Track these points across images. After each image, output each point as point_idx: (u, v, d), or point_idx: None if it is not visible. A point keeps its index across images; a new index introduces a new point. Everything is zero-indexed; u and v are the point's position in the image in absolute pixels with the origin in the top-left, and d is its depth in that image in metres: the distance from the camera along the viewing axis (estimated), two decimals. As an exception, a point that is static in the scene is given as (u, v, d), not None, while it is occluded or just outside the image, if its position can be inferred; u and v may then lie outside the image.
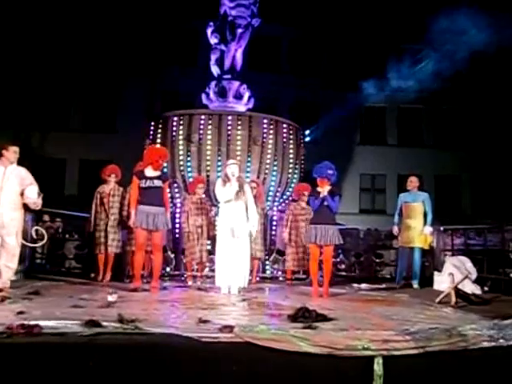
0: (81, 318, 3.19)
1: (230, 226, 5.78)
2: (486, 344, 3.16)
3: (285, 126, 9.42)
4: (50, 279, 6.64)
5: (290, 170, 9.32)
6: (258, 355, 2.78)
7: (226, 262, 5.79)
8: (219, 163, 8.65)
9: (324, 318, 3.60)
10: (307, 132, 18.87)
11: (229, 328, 3.02)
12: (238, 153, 8.77)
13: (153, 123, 9.57)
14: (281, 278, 8.42)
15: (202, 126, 8.91)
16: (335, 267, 8.69)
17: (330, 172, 5.86)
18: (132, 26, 19.31)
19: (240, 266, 5.80)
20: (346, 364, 2.83)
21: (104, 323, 3.08)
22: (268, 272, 8.53)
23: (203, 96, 10.06)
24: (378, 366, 2.86)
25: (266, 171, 8.95)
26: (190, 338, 2.85)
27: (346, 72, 19.56)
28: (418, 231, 7.17)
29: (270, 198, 8.98)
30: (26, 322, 2.93)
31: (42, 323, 2.95)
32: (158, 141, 9.07)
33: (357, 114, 20.10)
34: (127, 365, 2.71)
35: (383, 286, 7.48)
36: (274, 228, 9.12)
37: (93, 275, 7.20)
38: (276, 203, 9.28)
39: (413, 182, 7.45)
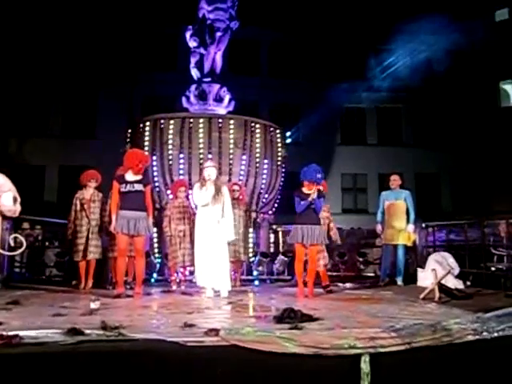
0: (62, 326, 3.12)
1: (207, 230, 5.77)
2: (470, 338, 3.19)
3: (266, 128, 9.42)
4: (30, 288, 6.47)
5: (273, 172, 9.31)
6: (245, 358, 2.76)
7: (205, 265, 5.79)
8: (201, 167, 8.60)
9: (309, 318, 3.60)
10: (288, 133, 18.95)
11: (214, 331, 2.99)
12: (210, 156, 8.74)
13: (132, 128, 9.50)
14: (265, 280, 8.41)
15: (175, 131, 8.87)
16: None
17: (319, 176, 5.87)
18: (111, 31, 19.16)
19: (222, 268, 5.80)
20: (333, 363, 2.83)
21: (87, 331, 3.02)
22: (253, 274, 8.50)
23: (183, 99, 10.01)
24: (364, 364, 2.86)
25: (249, 173, 8.93)
26: (175, 343, 2.81)
27: (325, 73, 19.73)
28: (401, 229, 7.25)
29: (253, 201, 8.95)
30: (4, 333, 2.84)
31: (21, 333, 2.87)
32: (138, 145, 8.98)
33: (337, 115, 20.25)
34: (112, 372, 2.66)
35: (368, 284, 7.53)
36: (257, 230, 9.10)
37: (74, 283, 7.07)
38: (259, 205, 9.26)
39: (396, 180, 7.54)
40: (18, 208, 5.20)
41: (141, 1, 18.38)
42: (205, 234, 5.84)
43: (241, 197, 7.62)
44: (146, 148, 8.90)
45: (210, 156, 8.70)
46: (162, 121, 9.03)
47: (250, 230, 8.43)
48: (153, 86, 19.19)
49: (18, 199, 5.17)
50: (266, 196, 9.36)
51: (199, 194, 5.90)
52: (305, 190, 5.89)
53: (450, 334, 3.20)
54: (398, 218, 7.28)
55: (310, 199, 5.77)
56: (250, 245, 8.43)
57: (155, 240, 8.69)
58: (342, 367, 2.84)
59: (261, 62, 21.12)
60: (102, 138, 18.51)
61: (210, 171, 5.99)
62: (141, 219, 5.59)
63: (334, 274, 8.75)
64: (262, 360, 2.76)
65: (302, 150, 14.82)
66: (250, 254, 8.37)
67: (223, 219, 5.90)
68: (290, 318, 3.51)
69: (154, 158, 8.86)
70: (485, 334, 3.26)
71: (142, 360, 2.72)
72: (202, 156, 8.71)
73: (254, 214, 8.89)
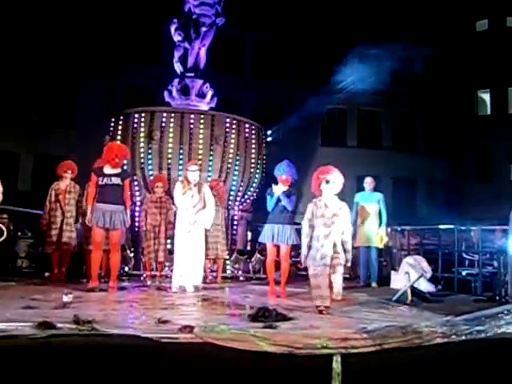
0: (33, 319, 3.07)
1: (187, 229, 5.81)
2: (439, 340, 3.27)
3: (247, 125, 9.41)
4: (0, 279, 6.29)
5: (252, 170, 9.31)
6: (218, 355, 2.77)
7: (182, 262, 5.82)
8: (181, 162, 8.53)
9: (284, 318, 3.63)
10: (269, 132, 18.96)
11: (189, 328, 2.99)
12: (200, 151, 8.68)
13: (113, 119, 9.35)
14: (241, 278, 8.41)
15: (163, 124, 8.77)
16: (295, 266, 8.76)
17: (293, 171, 5.90)
18: (95, 20, 18.81)
19: (193, 264, 5.82)
20: (305, 362, 2.86)
21: (59, 325, 2.97)
22: (229, 272, 8.49)
23: (166, 93, 9.91)
24: (336, 364, 2.91)
25: (228, 170, 8.89)
26: (148, 339, 2.80)
27: (307, 74, 19.82)
28: (374, 231, 7.32)
29: (231, 198, 8.94)
30: (-29, 325, 2.79)
31: (-10, 326, 2.82)
32: (119, 137, 8.85)
33: (318, 116, 20.38)
34: (84, 368, 2.63)
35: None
36: (234, 228, 9.09)
37: (47, 275, 6.96)
38: (237, 203, 9.25)
39: (370, 183, 7.62)
40: (0, 197, 5.08)
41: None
42: (184, 233, 5.87)
43: (220, 194, 7.61)
44: (133, 140, 8.76)
45: (182, 151, 8.60)
46: (147, 114, 8.90)
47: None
48: (134, 77, 18.95)
49: (0, 189, 5.05)
50: (245, 193, 9.36)
51: (181, 198, 5.89)
52: (275, 187, 5.85)
53: (420, 337, 3.28)
54: (370, 220, 7.35)
55: (275, 195, 5.75)
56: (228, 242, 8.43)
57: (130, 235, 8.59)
58: (314, 367, 2.88)
59: (244, 60, 21.09)
60: (79, 128, 18.20)
61: (195, 176, 5.98)
62: (117, 213, 5.53)
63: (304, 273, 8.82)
64: (235, 358, 2.77)
65: (282, 150, 14.81)
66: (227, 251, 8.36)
67: (204, 210, 5.90)
68: (265, 316, 3.53)
69: (138, 151, 8.73)
70: (453, 337, 3.35)
71: (115, 355, 2.70)
72: (183, 151, 8.65)
73: (231, 212, 8.89)
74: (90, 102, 18.42)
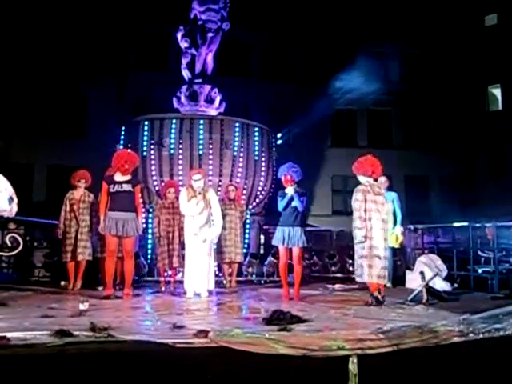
0: (51, 328, 3.10)
1: (195, 235, 5.88)
2: (456, 339, 3.23)
3: (256, 129, 9.44)
4: (18, 289, 6.38)
5: (263, 173, 9.33)
6: (234, 359, 2.76)
7: (192, 267, 5.87)
8: (190, 173, 8.58)
9: (299, 320, 3.61)
10: (279, 135, 18.95)
11: (204, 333, 2.99)
12: (210, 157, 8.73)
13: (123, 128, 9.45)
14: (255, 281, 8.41)
15: (173, 130, 8.84)
16: (309, 268, 8.74)
17: (294, 169, 5.88)
18: (102, 31, 19.03)
19: (204, 269, 5.87)
20: (321, 364, 2.85)
21: (75, 332, 2.99)
22: (243, 276, 8.50)
23: (174, 100, 9.99)
24: (352, 365, 2.89)
25: (239, 175, 8.93)
26: (164, 345, 2.81)
27: (316, 75, 19.77)
28: (389, 231, 7.26)
29: (243, 202, 8.95)
30: (-9, 335, 2.83)
31: (8, 335, 2.84)
32: (129, 145, 8.94)
33: (328, 117, 20.30)
34: (101, 374, 2.65)
35: (357, 286, 7.56)
36: (247, 231, 9.10)
37: (63, 284, 7.01)
38: (250, 206, 9.26)
39: (384, 182, 7.57)
40: (15, 208, 5.12)
41: (133, 1, 18.32)
42: (193, 238, 5.93)
43: (237, 197, 7.66)
44: (144, 148, 8.84)
45: (210, 157, 8.66)
46: (156, 121, 8.99)
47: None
48: (144, 86, 19.09)
49: (15, 200, 5.10)
50: (257, 197, 9.37)
51: (187, 206, 5.95)
52: (286, 190, 5.87)
53: (437, 336, 3.24)
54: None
55: (288, 195, 5.76)
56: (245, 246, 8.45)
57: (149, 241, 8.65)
58: (330, 368, 2.87)
59: (252, 64, 21.13)
60: (91, 138, 18.35)
61: (200, 184, 6.03)
62: (129, 220, 5.57)
63: (324, 275, 8.81)
64: (251, 362, 2.76)
65: (292, 152, 14.81)
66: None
67: (213, 225, 5.99)
68: (279, 319, 3.52)
69: (149, 158, 8.81)
70: (471, 335, 3.30)
71: (130, 362, 2.72)
72: (193, 157, 8.70)
73: (245, 215, 8.91)
74: (101, 112, 18.57)
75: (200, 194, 5.99)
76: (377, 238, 5.15)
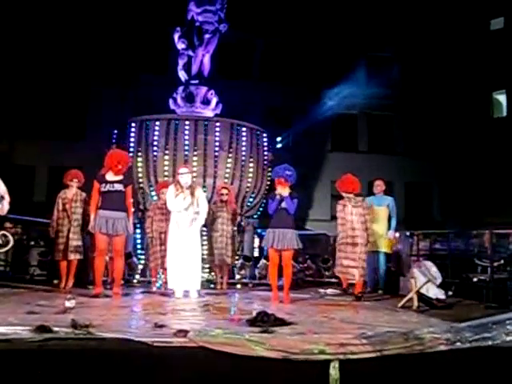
0: (34, 324, 3.08)
1: (180, 232, 5.85)
2: (442, 347, 3.17)
3: (252, 131, 9.42)
4: (12, 286, 6.44)
5: (258, 176, 9.30)
6: (212, 360, 2.73)
7: (176, 267, 5.83)
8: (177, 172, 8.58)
9: (283, 323, 3.57)
10: (279, 139, 18.94)
11: (183, 332, 2.96)
12: (205, 158, 8.71)
13: (115, 130, 9.53)
14: (248, 284, 8.37)
15: (156, 133, 8.85)
16: (303, 272, 8.70)
17: (288, 173, 5.84)
18: (101, 34, 19.11)
19: (192, 270, 5.82)
20: (301, 368, 2.80)
21: (55, 328, 2.98)
22: (235, 278, 8.46)
23: (171, 101, 10.00)
24: (334, 370, 2.84)
25: (234, 176, 8.90)
26: (142, 343, 2.78)
27: (317, 79, 19.75)
28: (382, 235, 7.20)
29: (237, 204, 8.92)
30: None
31: (-11, 330, 2.84)
32: (120, 146, 8.97)
33: (328, 121, 20.25)
34: (78, 371, 2.63)
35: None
36: (242, 234, 9.06)
37: (56, 282, 7.03)
38: (244, 209, 9.23)
39: (379, 185, 7.51)
40: (6, 207, 5.15)
41: (132, 3, 18.39)
42: (178, 236, 5.89)
43: (229, 200, 7.62)
44: (132, 149, 8.88)
45: (195, 158, 8.66)
46: (148, 122, 9.01)
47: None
48: (145, 87, 19.14)
49: (7, 198, 5.12)
50: (251, 199, 9.34)
51: (174, 201, 5.92)
52: (277, 190, 5.82)
53: (422, 343, 3.18)
54: (379, 224, 7.20)
55: (277, 197, 5.72)
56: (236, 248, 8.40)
57: (138, 241, 8.64)
58: (310, 373, 2.82)
59: (253, 66, 21.12)
60: (92, 140, 18.37)
61: (187, 178, 6.01)
62: (119, 219, 5.56)
63: (318, 279, 8.76)
64: (229, 363, 2.73)
65: (292, 156, 14.78)
66: (236, 257, 8.33)
67: (198, 216, 5.94)
68: (263, 321, 3.48)
69: (140, 159, 8.83)
70: (458, 344, 3.24)
71: (108, 359, 2.70)
72: (186, 158, 8.68)
73: (238, 218, 8.88)
74: (101, 114, 18.65)
75: (188, 189, 5.96)
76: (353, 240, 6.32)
